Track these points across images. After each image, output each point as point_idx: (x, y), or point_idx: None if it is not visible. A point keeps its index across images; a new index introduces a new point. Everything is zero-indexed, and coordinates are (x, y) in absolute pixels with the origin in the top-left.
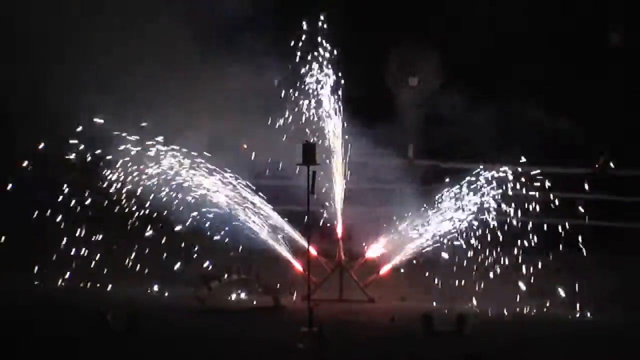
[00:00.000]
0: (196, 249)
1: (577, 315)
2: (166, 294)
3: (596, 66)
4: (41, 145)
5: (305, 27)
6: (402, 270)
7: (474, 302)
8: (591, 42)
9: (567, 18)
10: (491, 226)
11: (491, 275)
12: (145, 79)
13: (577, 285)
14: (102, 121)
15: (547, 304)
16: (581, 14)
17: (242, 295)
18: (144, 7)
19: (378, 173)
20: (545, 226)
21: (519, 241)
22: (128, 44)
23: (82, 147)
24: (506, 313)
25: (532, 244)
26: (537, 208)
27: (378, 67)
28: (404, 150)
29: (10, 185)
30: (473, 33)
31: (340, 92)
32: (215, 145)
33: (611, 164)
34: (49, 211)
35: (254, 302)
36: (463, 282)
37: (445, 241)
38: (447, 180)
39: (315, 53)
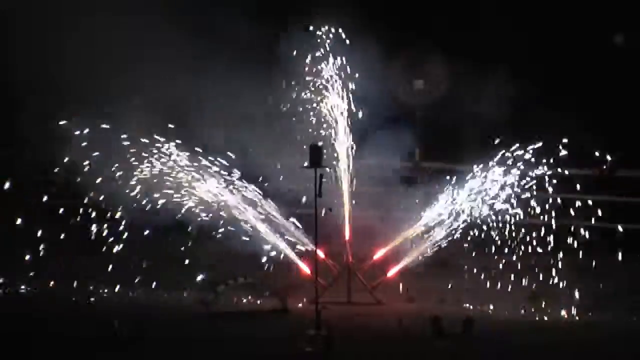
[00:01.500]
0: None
1: (583, 317)
2: (173, 299)
3: (601, 65)
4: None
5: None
6: (409, 273)
7: (482, 304)
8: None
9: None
10: (497, 228)
11: (498, 277)
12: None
13: (582, 287)
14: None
15: (554, 306)
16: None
17: (249, 298)
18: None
19: (385, 175)
20: (545, 227)
21: (527, 242)
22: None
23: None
24: (514, 315)
25: (540, 245)
26: (544, 209)
27: (384, 69)
28: (410, 153)
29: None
30: (479, 33)
31: (347, 93)
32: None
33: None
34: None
35: (261, 306)
36: (471, 284)
37: (453, 243)
38: (454, 182)
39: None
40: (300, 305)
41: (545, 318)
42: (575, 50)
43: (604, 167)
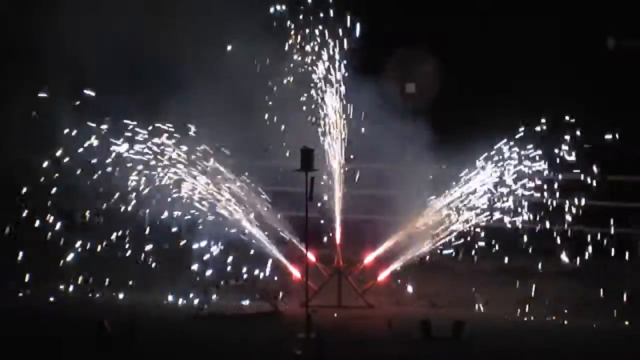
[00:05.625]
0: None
1: (574, 321)
2: (164, 301)
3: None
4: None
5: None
6: (399, 277)
7: (473, 307)
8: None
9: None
10: (492, 231)
11: (491, 280)
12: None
13: (574, 290)
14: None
15: (547, 310)
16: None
17: (240, 301)
18: None
19: (376, 178)
20: (538, 230)
21: (517, 245)
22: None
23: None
24: (505, 319)
25: (533, 248)
26: (536, 212)
27: (378, 72)
28: (401, 156)
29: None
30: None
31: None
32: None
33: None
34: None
35: (252, 308)
36: (462, 287)
37: (445, 246)
38: (448, 184)
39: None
40: (290, 308)
41: (537, 321)
42: (575, 50)
43: (596, 170)
